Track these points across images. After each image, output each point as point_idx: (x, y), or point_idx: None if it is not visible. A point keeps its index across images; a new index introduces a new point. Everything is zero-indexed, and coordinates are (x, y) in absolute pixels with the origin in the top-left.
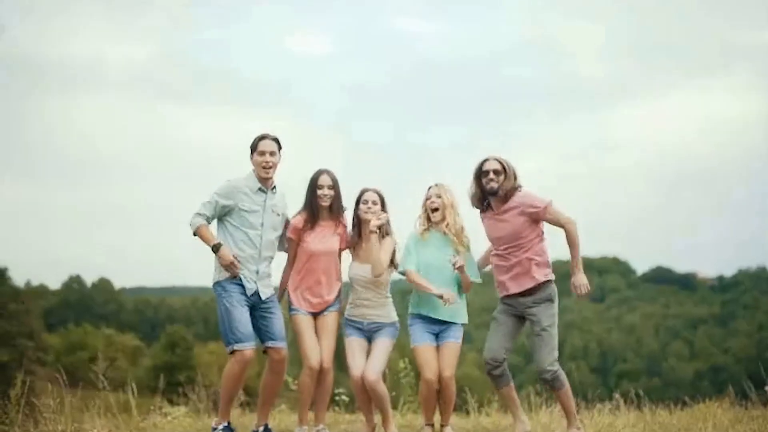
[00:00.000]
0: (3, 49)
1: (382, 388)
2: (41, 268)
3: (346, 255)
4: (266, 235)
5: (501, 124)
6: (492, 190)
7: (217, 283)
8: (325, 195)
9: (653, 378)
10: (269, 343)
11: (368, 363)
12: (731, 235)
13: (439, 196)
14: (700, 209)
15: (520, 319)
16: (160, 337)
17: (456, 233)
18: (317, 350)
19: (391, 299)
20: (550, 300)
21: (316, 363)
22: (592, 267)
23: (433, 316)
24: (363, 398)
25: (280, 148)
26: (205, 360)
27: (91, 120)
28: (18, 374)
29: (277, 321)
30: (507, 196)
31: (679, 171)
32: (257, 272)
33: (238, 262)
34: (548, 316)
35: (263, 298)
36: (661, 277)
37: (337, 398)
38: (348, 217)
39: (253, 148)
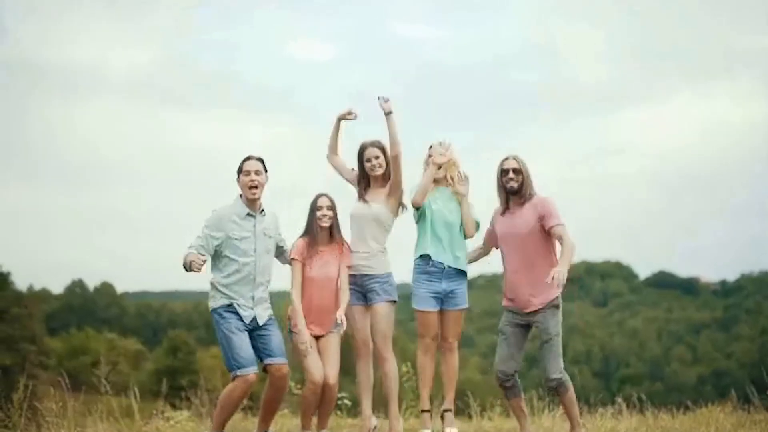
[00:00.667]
0: (5, 52)
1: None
2: (44, 272)
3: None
4: (260, 261)
5: (504, 129)
6: (512, 189)
7: (214, 310)
8: (325, 216)
9: (656, 382)
10: (268, 360)
11: (375, 336)
12: (734, 240)
13: (442, 154)
14: (703, 214)
15: (526, 327)
16: (163, 342)
17: (458, 183)
18: (320, 366)
19: (387, 252)
20: (556, 306)
21: (319, 378)
22: (595, 271)
23: (440, 260)
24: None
25: (266, 169)
26: (207, 364)
27: (93, 124)
28: (20, 378)
29: (275, 338)
30: (526, 199)
31: (682, 175)
32: (253, 298)
33: (199, 263)
34: (555, 323)
35: (260, 323)
36: (663, 281)
37: (339, 402)
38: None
39: (239, 170)
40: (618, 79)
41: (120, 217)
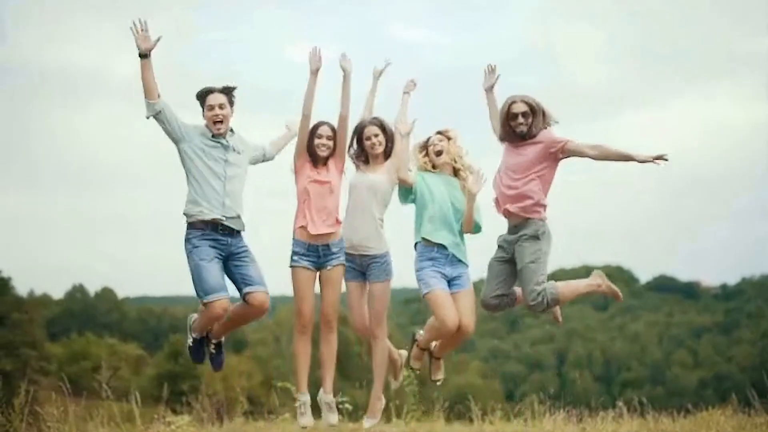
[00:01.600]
0: (5, 56)
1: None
2: (44, 277)
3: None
4: (230, 170)
5: None
6: (522, 133)
7: (187, 241)
8: (324, 145)
9: (657, 386)
10: (247, 289)
11: (370, 315)
12: (735, 244)
13: (441, 141)
14: (704, 217)
15: (513, 263)
16: (164, 347)
17: (463, 167)
18: (311, 306)
19: (383, 225)
20: (536, 237)
21: (307, 319)
22: None
23: (444, 243)
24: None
25: (231, 103)
26: (208, 369)
27: (93, 128)
28: (21, 384)
29: (253, 267)
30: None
31: (683, 179)
32: (223, 204)
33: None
34: (531, 252)
35: (234, 228)
36: (664, 285)
37: (340, 406)
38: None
39: (202, 103)
40: (619, 82)
41: (120, 221)
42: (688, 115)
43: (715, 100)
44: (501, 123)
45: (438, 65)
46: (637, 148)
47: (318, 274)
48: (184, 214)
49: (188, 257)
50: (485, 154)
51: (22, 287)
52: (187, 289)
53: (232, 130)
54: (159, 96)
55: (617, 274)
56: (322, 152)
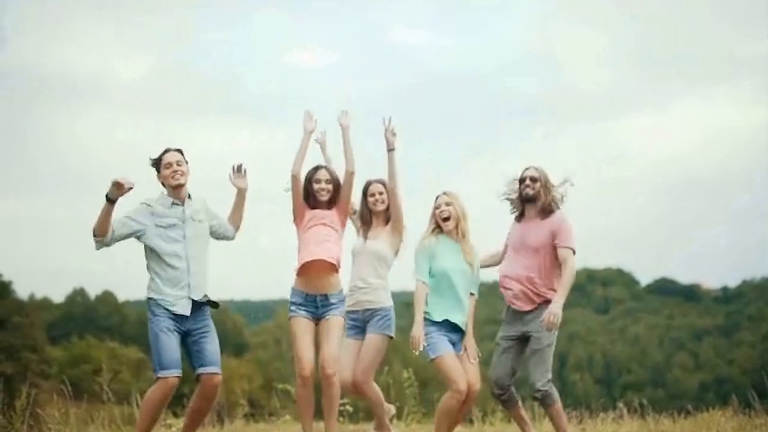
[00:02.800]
0: (5, 62)
1: (371, 390)
2: (45, 281)
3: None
4: (191, 247)
5: (504, 136)
6: (528, 195)
7: (150, 299)
8: (323, 189)
9: (658, 389)
10: (200, 369)
11: (358, 363)
12: (735, 246)
13: (449, 204)
14: (704, 220)
15: (523, 340)
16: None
17: (466, 245)
18: (311, 356)
19: (388, 287)
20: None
21: (308, 371)
22: (596, 278)
23: (450, 320)
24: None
25: (185, 160)
26: None
27: (94, 132)
28: (22, 387)
29: (210, 346)
30: (546, 211)
31: (683, 182)
32: (189, 285)
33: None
34: (549, 335)
35: (196, 298)
36: (665, 288)
37: (341, 408)
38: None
39: (158, 166)
40: (619, 85)
41: None
42: (688, 118)
43: (716, 103)
44: (516, 190)
45: (439, 68)
46: (637, 150)
47: (317, 325)
48: (148, 298)
49: (149, 324)
50: (484, 156)
51: (22, 291)
52: None
53: (189, 196)
54: (107, 231)
55: (618, 277)
56: (323, 197)
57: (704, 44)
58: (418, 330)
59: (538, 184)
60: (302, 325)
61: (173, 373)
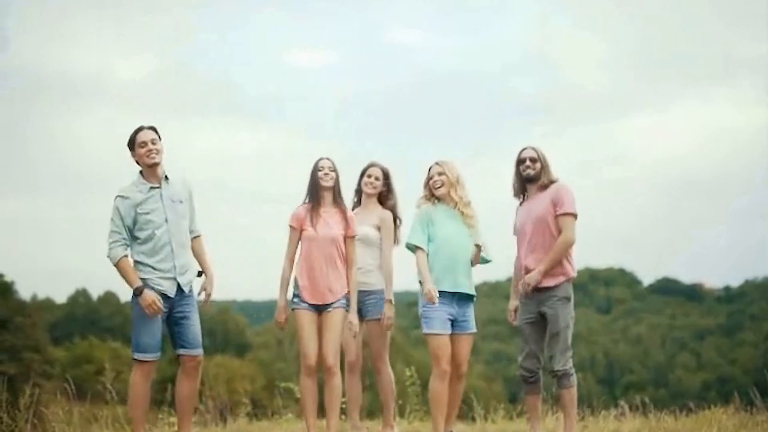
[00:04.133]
0: (6, 62)
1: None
2: (47, 281)
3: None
4: (173, 229)
5: (504, 136)
6: (529, 176)
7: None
8: (327, 175)
9: (660, 389)
10: (181, 351)
11: (371, 354)
12: (737, 246)
13: (442, 173)
14: (706, 220)
15: (542, 322)
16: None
17: (464, 207)
18: (315, 346)
19: (378, 266)
20: (568, 299)
21: (312, 360)
22: (598, 278)
23: (452, 290)
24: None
25: (159, 137)
26: (210, 371)
27: (94, 132)
28: (25, 387)
29: (192, 327)
30: (545, 186)
31: (685, 181)
32: (175, 267)
33: (160, 301)
34: (565, 315)
35: (185, 290)
36: (667, 288)
37: (343, 406)
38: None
39: (132, 145)
40: (619, 86)
41: None
42: (689, 118)
43: (716, 103)
44: (515, 173)
45: (438, 68)
46: (638, 151)
47: (319, 316)
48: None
49: (132, 305)
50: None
51: (25, 291)
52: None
53: (167, 178)
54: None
55: (620, 277)
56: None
57: (704, 45)
58: (429, 285)
59: (538, 164)
60: (306, 317)
61: (151, 357)
